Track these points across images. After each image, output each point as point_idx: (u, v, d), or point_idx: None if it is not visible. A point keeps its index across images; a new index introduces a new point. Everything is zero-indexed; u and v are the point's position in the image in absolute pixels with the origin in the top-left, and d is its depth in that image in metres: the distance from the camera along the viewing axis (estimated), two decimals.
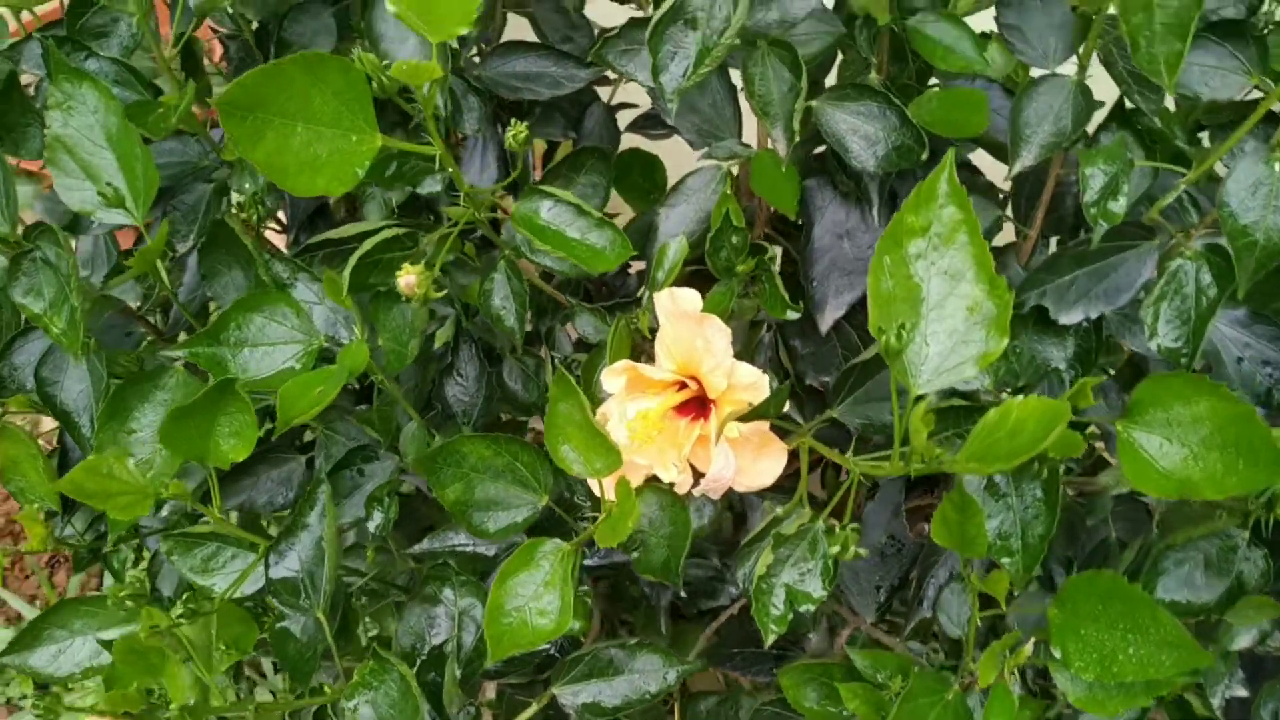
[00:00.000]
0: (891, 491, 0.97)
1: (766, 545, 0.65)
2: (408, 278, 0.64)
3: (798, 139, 0.70)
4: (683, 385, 0.72)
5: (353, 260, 0.71)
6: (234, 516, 0.94)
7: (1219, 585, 0.69)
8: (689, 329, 0.69)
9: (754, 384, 0.69)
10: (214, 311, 0.87)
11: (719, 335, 0.69)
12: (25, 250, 0.71)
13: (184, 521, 0.97)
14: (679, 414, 0.73)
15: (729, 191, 0.76)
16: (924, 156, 0.72)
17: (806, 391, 0.87)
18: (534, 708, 0.75)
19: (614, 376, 0.71)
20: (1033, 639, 0.73)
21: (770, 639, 0.64)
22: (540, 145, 1.07)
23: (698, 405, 0.73)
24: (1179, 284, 0.66)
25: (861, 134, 0.74)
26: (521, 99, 0.86)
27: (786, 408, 0.86)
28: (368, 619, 0.92)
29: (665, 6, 0.62)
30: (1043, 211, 0.78)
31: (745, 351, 0.84)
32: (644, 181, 0.92)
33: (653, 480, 0.71)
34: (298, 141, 0.61)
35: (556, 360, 0.85)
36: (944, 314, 0.59)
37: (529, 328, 0.91)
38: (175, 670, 0.56)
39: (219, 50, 1.01)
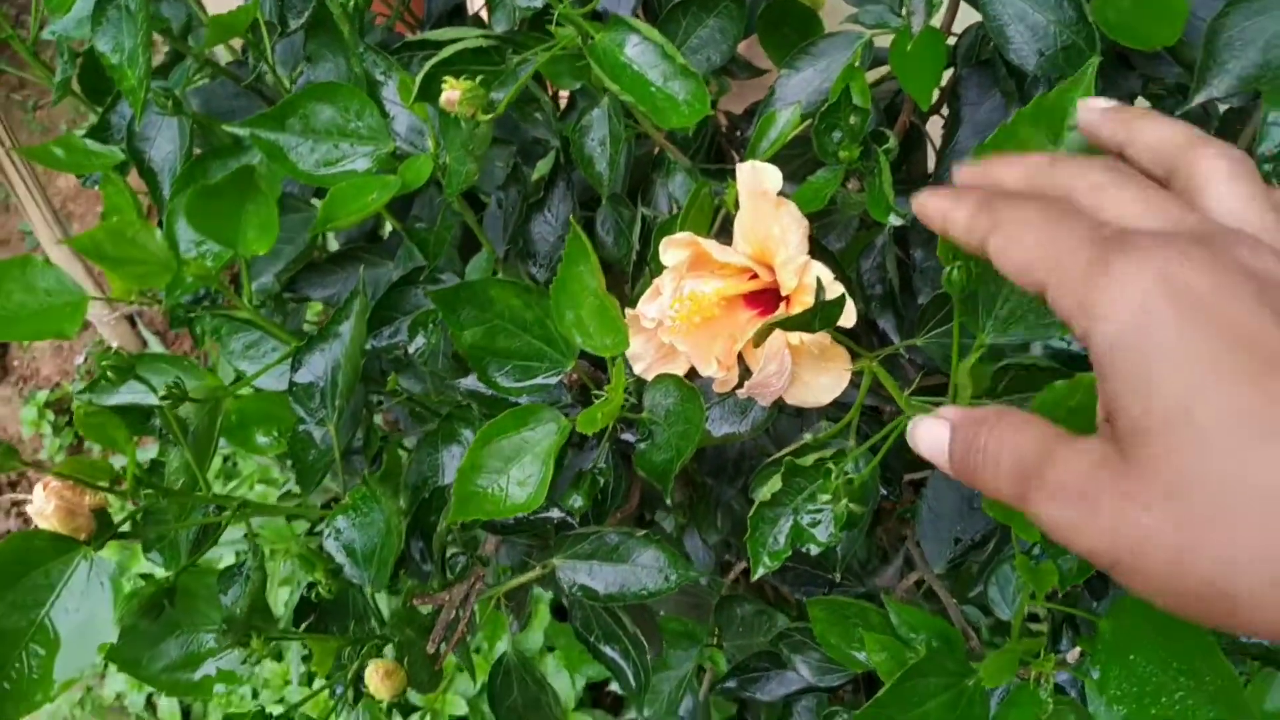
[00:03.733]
0: None
1: (779, 470, 0.57)
2: (450, 93, 0.58)
3: (940, 11, 0.58)
4: (755, 275, 0.64)
5: (427, 66, 0.65)
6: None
7: None
8: (766, 211, 0.61)
9: (826, 289, 0.60)
10: None
11: (795, 226, 0.60)
12: None
13: (270, 305, 0.97)
14: (746, 304, 0.65)
15: (859, 63, 0.65)
16: (1093, 64, 0.59)
17: (918, 309, 0.77)
18: (532, 574, 0.71)
19: (675, 248, 0.63)
20: (1078, 648, 0.64)
21: (760, 572, 0.57)
22: None
23: (770, 299, 0.65)
24: None
25: (1029, 23, 0.62)
26: None
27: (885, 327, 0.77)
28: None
29: None
30: None
31: (850, 252, 0.74)
32: (797, 38, 0.81)
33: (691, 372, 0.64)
34: None
35: (647, 218, 0.78)
36: None
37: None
38: (129, 446, 0.54)
39: None
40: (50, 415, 1.91)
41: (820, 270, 0.59)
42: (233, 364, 0.76)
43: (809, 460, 0.57)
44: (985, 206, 0.38)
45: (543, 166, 0.83)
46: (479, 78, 0.60)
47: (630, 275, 0.80)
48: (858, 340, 0.84)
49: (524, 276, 0.79)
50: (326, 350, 0.69)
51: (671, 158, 0.74)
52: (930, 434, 0.39)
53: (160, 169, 0.79)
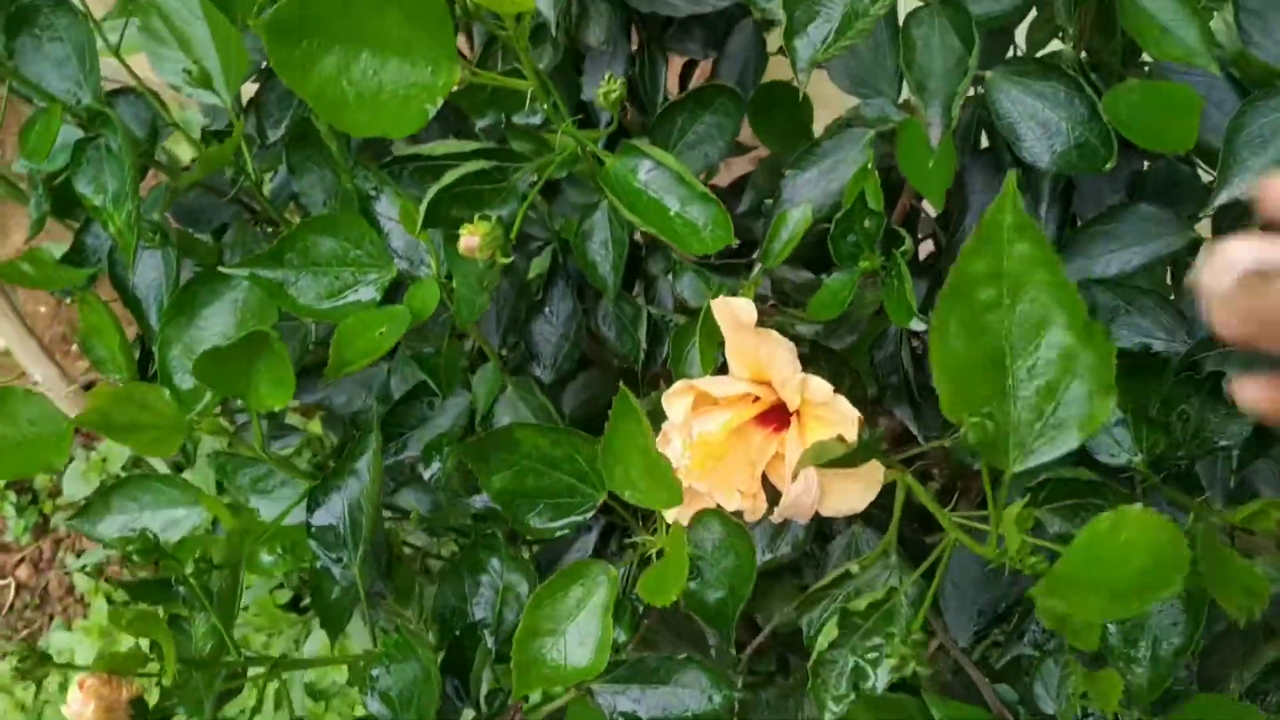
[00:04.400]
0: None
1: (831, 615, 0.56)
2: (469, 239, 0.56)
3: (955, 124, 0.58)
4: (756, 398, 0.63)
5: (431, 193, 0.63)
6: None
7: None
8: (750, 341, 0.60)
9: (827, 403, 0.59)
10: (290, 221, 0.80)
11: (780, 350, 0.59)
12: (90, 137, 0.66)
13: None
14: (758, 424, 0.64)
15: (871, 166, 0.64)
16: (1110, 165, 0.59)
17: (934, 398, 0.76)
18: (569, 697, 0.69)
19: (677, 399, 0.61)
20: None
21: (828, 719, 0.57)
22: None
23: (779, 414, 0.64)
24: None
25: (1039, 120, 0.61)
26: (656, 12, 0.75)
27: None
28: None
29: None
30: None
31: (863, 341, 0.74)
32: (787, 121, 0.80)
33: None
34: (359, 71, 0.53)
35: (653, 315, 0.77)
36: (1034, 370, 0.47)
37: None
38: (165, 636, 0.52)
39: None
40: (12, 496, 1.85)
41: (819, 385, 0.58)
42: (242, 499, 0.73)
43: (862, 605, 0.56)
44: None
45: (539, 264, 0.81)
46: (494, 217, 0.58)
47: (641, 374, 0.79)
48: (875, 423, 0.83)
49: (530, 381, 0.77)
50: (344, 489, 0.67)
51: (676, 257, 0.73)
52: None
53: (146, 297, 0.76)
